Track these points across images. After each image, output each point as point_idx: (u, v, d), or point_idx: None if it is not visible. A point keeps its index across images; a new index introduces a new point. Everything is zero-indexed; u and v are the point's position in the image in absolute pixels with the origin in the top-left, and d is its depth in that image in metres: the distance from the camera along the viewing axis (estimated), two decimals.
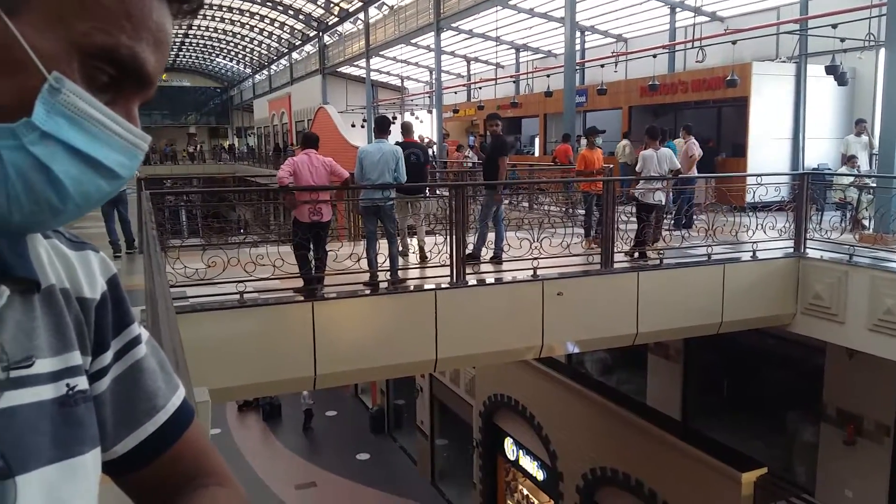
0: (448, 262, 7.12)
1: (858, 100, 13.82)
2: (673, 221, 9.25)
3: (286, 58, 43.69)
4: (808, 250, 8.36)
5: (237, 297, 6.18)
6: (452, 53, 28.82)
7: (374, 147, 7.58)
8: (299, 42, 39.85)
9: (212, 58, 55.00)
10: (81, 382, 0.64)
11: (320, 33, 35.76)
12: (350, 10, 31.34)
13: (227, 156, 45.34)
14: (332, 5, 32.26)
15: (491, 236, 8.21)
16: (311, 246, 6.95)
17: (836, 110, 13.97)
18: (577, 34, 19.36)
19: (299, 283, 6.78)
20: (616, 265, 7.83)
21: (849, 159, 10.97)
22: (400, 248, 7.75)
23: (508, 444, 15.21)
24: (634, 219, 8.76)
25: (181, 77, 57.35)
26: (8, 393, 0.56)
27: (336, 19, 33.40)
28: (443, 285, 7.03)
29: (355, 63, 33.59)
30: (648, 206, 8.55)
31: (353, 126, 29.44)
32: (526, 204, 13.28)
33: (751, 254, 8.31)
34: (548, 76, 20.72)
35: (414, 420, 20.08)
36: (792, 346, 9.64)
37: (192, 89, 59.29)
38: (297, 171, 7.04)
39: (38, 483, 0.57)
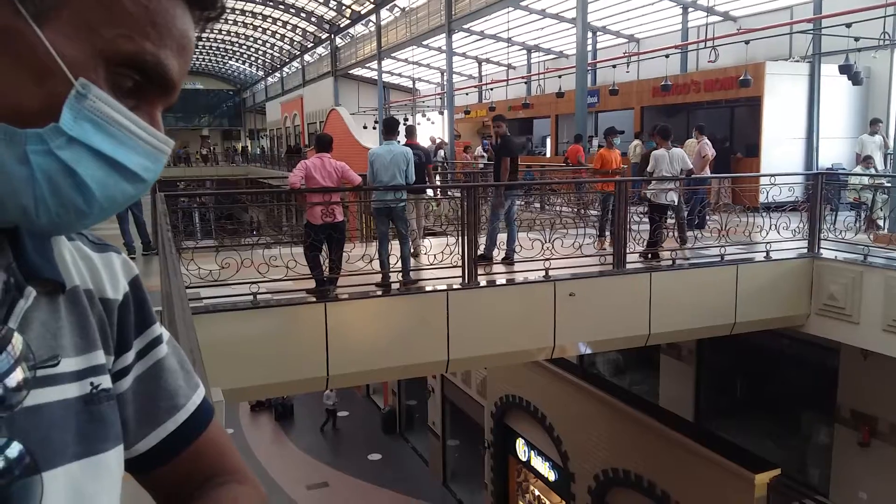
0: (460, 263, 7.13)
1: (873, 99, 13.71)
2: (685, 222, 9.19)
3: (298, 60, 43.84)
4: (822, 251, 8.31)
5: (250, 298, 6.22)
6: (464, 55, 28.82)
7: (384, 149, 7.60)
8: (311, 44, 39.99)
9: (224, 60, 55.28)
10: (105, 381, 0.65)
11: (332, 35, 35.88)
12: (362, 12, 31.42)
13: (239, 157, 45.60)
14: (343, 8, 32.36)
15: (503, 236, 8.22)
16: (325, 248, 6.99)
17: (850, 110, 13.86)
18: (589, 35, 19.32)
19: (312, 284, 6.82)
20: (628, 266, 7.82)
21: (864, 159, 10.89)
22: (412, 250, 7.77)
23: (520, 444, 15.18)
24: (647, 219, 8.74)
25: (194, 80, 57.65)
26: (35, 391, 0.58)
27: (348, 21, 33.49)
28: (455, 286, 7.04)
29: (367, 65, 33.66)
30: (661, 206, 8.52)
31: (364, 128, 29.51)
32: (538, 205, 13.26)
33: (764, 254, 8.27)
34: (559, 77, 20.68)
35: (426, 421, 20.09)
36: (806, 346, 9.59)
37: (205, 92, 59.60)
38: (309, 174, 7.07)
39: (63, 479, 0.58)
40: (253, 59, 51.46)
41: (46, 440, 0.58)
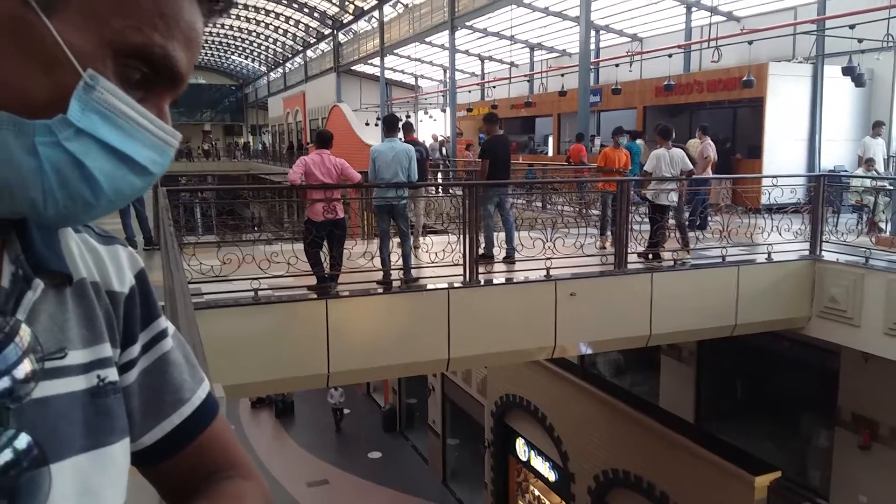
0: (461, 262, 7.13)
1: (876, 101, 13.70)
2: (685, 224, 9.19)
3: (301, 56, 43.86)
4: (823, 253, 8.30)
5: (252, 294, 6.22)
6: (467, 52, 28.81)
7: (386, 146, 7.59)
8: (314, 40, 40.00)
9: (227, 55, 55.30)
10: (111, 374, 0.65)
11: (335, 31, 35.88)
12: (365, 8, 31.42)
13: (240, 153, 45.59)
14: (347, 3, 32.36)
15: (503, 235, 8.21)
16: (325, 244, 6.98)
17: (853, 112, 13.85)
18: (592, 33, 19.31)
19: (313, 280, 6.82)
20: (630, 266, 7.81)
21: (866, 161, 10.88)
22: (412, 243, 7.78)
23: (520, 444, 15.19)
24: (648, 219, 8.73)
25: (197, 74, 57.32)
26: (42, 383, 0.58)
27: (351, 17, 33.50)
28: (456, 284, 7.04)
29: (370, 61, 33.67)
30: (662, 206, 8.51)
31: (367, 124, 29.51)
32: (539, 203, 13.25)
33: (766, 256, 8.26)
34: (562, 75, 20.68)
35: (426, 419, 20.10)
36: (806, 349, 9.58)
37: (207, 87, 59.64)
38: (309, 171, 7.06)
39: (70, 471, 0.58)
40: (256, 54, 51.48)
41: (54, 432, 0.58)
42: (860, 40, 12.55)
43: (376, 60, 32.02)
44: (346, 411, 21.89)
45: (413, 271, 7.29)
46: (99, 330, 0.65)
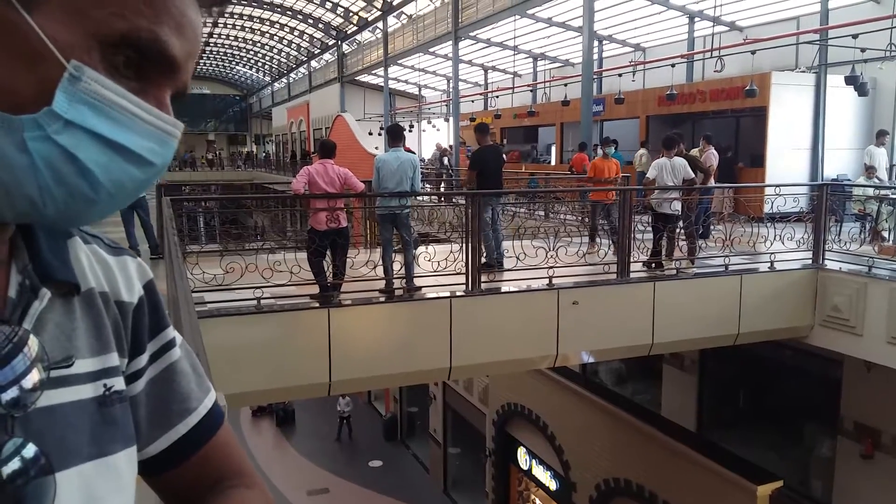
0: (463, 270, 7.14)
1: (879, 110, 13.70)
2: (691, 232, 9.19)
3: (305, 66, 44.01)
4: (826, 262, 8.29)
5: (254, 302, 6.23)
6: (470, 62, 28.90)
7: (391, 156, 7.61)
8: (318, 50, 40.16)
9: (232, 66, 55.55)
10: (118, 383, 0.66)
11: (339, 42, 36.03)
12: (369, 19, 31.57)
13: (241, 163, 45.68)
14: (351, 14, 32.50)
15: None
16: (328, 253, 7.00)
17: (855, 121, 13.85)
18: (595, 43, 19.36)
19: (316, 289, 6.83)
20: (632, 275, 7.81)
21: (867, 169, 10.89)
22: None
23: (521, 453, 15.14)
24: (651, 228, 8.73)
25: (201, 84, 57.93)
26: (49, 392, 0.58)
27: (355, 28, 33.64)
28: (458, 293, 7.05)
29: (373, 71, 33.77)
30: (665, 215, 8.51)
31: (370, 134, 29.58)
32: (542, 212, 13.27)
33: (768, 265, 8.25)
34: (565, 85, 20.71)
35: (427, 428, 20.05)
36: (809, 358, 9.56)
37: (211, 97, 59.88)
38: (312, 180, 7.08)
39: (76, 479, 0.59)
40: (260, 64, 51.70)
41: (61, 441, 0.58)
42: (863, 49, 12.57)
43: (380, 71, 32.14)
44: (347, 418, 21.90)
45: (415, 280, 7.30)
46: (106, 339, 0.66)
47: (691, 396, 11.50)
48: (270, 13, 36.76)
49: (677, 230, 8.63)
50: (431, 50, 27.87)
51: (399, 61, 30.81)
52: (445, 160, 20.95)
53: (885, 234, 9.52)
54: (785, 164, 13.33)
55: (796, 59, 15.34)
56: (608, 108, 18.39)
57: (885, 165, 11.41)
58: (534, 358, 7.70)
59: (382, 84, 32.67)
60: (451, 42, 24.01)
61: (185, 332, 2.27)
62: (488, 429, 16.29)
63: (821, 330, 8.04)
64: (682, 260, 8.45)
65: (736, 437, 10.91)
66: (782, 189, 8.87)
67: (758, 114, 13.80)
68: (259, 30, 41.20)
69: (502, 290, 7.55)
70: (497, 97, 27.35)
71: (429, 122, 32.97)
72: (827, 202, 8.52)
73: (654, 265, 8.28)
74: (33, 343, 0.58)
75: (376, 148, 24.94)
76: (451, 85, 28.01)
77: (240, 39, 44.95)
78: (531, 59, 26.22)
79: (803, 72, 14.35)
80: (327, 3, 32.26)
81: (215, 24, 38.43)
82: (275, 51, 45.70)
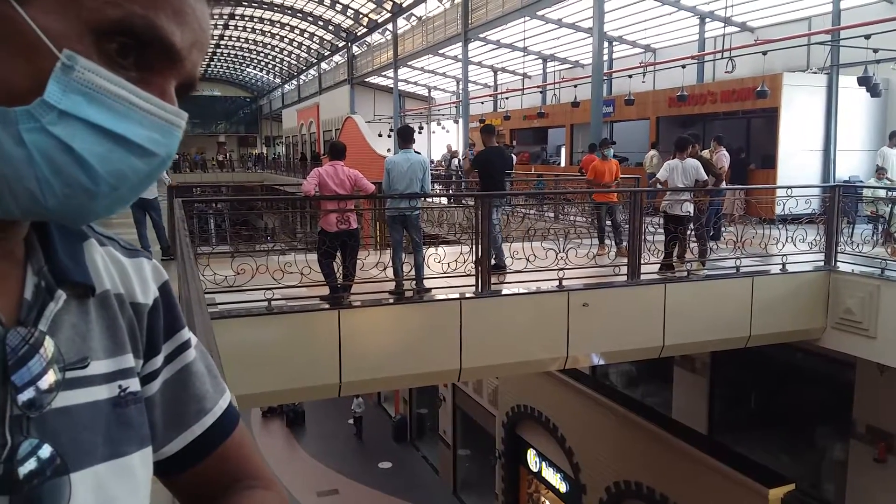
0: (473, 272, 7.13)
1: (891, 111, 13.60)
2: (703, 233, 9.16)
3: (315, 68, 44.15)
4: (839, 264, 8.24)
5: (265, 304, 6.25)
6: (479, 64, 28.89)
7: (401, 157, 7.62)
8: (328, 52, 40.27)
9: (242, 68, 55.80)
10: (133, 384, 0.66)
11: (349, 44, 36.12)
12: (379, 20, 31.63)
13: (251, 165, 45.83)
14: (361, 16, 32.58)
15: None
16: (338, 254, 7.02)
17: (868, 122, 13.76)
18: (605, 44, 19.32)
19: (326, 291, 6.84)
20: (643, 276, 7.79)
21: (877, 170, 10.82)
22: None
23: (531, 455, 15.12)
24: (662, 230, 8.69)
25: (212, 86, 58.23)
26: (64, 393, 0.58)
27: (365, 30, 33.72)
28: (468, 295, 7.05)
29: (383, 73, 33.83)
30: (677, 217, 8.47)
31: (380, 136, 29.63)
32: (552, 214, 13.25)
33: (780, 266, 8.20)
34: (575, 86, 20.66)
35: (436, 429, 20.06)
36: (821, 360, 9.50)
37: (222, 98, 60.18)
38: (323, 182, 7.10)
39: (91, 480, 0.59)
40: (270, 66, 51.90)
41: (76, 441, 0.58)
42: (875, 50, 12.49)
43: (390, 72, 32.19)
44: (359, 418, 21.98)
45: (425, 282, 7.30)
46: (122, 340, 0.66)
47: (702, 399, 11.45)
48: (280, 15, 36.90)
49: (688, 232, 8.59)
50: (441, 51, 27.88)
51: (409, 63, 30.85)
52: (455, 162, 20.96)
53: None
54: (796, 166, 13.24)
55: (808, 60, 15.26)
56: (618, 109, 18.34)
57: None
58: (544, 360, 7.69)
59: (392, 86, 32.73)
60: (460, 43, 24.02)
61: (198, 333, 2.28)
62: (498, 430, 16.27)
63: (833, 332, 7.99)
64: (693, 262, 8.41)
65: (747, 439, 10.85)
66: (794, 190, 8.81)
67: (769, 115, 13.72)
68: (269, 32, 41.36)
69: (512, 292, 7.54)
70: (507, 99, 27.35)
71: (438, 124, 33.00)
72: (839, 204, 8.47)
73: (663, 267, 8.24)
74: (49, 344, 0.58)
75: (388, 150, 24.99)
76: (460, 86, 28.02)
77: (250, 41, 45.14)
78: (541, 61, 26.19)
79: (815, 73, 14.27)
80: (337, 4, 32.35)
81: (231, 17, 38.49)
82: (285, 53, 45.86)
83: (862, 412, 8.91)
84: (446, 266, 7.24)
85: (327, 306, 6.66)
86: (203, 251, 7.14)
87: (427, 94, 35.97)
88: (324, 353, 6.45)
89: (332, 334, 6.45)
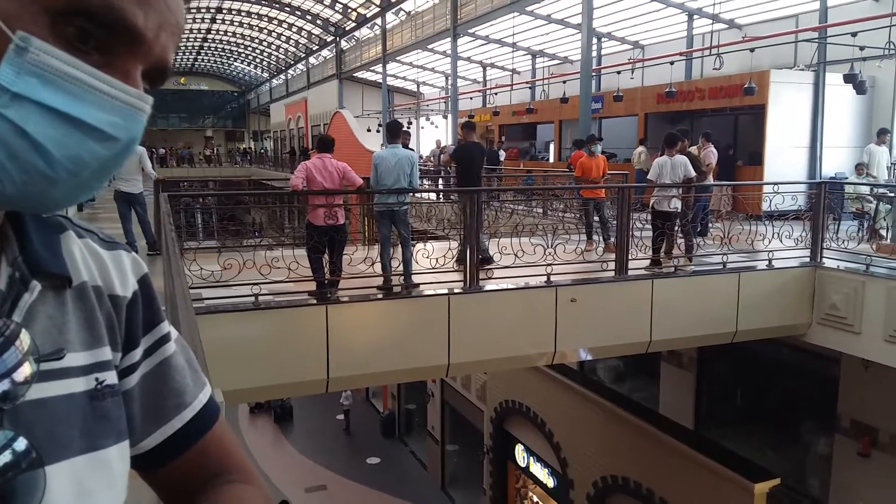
0: (461, 268, 7.13)
1: (877, 108, 13.72)
2: (689, 229, 9.21)
3: (303, 62, 43.97)
4: (824, 260, 8.30)
5: (252, 299, 6.22)
6: (468, 59, 28.88)
7: (388, 152, 7.60)
8: (316, 47, 40.10)
9: (230, 62, 55.48)
10: (110, 377, 0.65)
11: (337, 38, 35.98)
12: (367, 15, 31.52)
13: (239, 159, 45.62)
14: (349, 11, 32.45)
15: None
16: (326, 250, 6.99)
17: (854, 119, 13.86)
18: (594, 41, 19.34)
19: (314, 286, 6.82)
20: (630, 272, 7.81)
21: (856, 167, 10.92)
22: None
23: (519, 450, 15.16)
24: (650, 226, 8.73)
25: (199, 81, 57.90)
26: (40, 385, 0.57)
27: (353, 25, 33.59)
28: (456, 290, 7.04)
29: (372, 68, 33.75)
30: (664, 213, 8.50)
31: (368, 131, 29.55)
32: (540, 210, 13.27)
33: (766, 262, 8.25)
34: (564, 82, 20.70)
35: (425, 425, 20.07)
36: (806, 356, 9.57)
37: (209, 93, 59.85)
38: (311, 175, 7.07)
39: (66, 473, 0.58)
40: (258, 60, 51.63)
41: (51, 434, 0.58)
42: (862, 48, 12.57)
43: (378, 67, 32.11)
44: (338, 416, 21.99)
45: (413, 277, 7.29)
46: (99, 333, 0.65)
47: (689, 394, 11.51)
48: (269, 9, 36.71)
49: (676, 228, 8.62)
50: (430, 46, 27.85)
51: (397, 58, 30.78)
52: (444, 157, 20.94)
53: (883, 232, 9.53)
54: (783, 162, 13.33)
55: (795, 57, 15.35)
56: (607, 105, 18.38)
57: (886, 164, 11.40)
58: (532, 355, 7.70)
59: (381, 81, 32.65)
60: (449, 39, 23.99)
61: (182, 328, 2.26)
62: (486, 426, 16.30)
63: (818, 328, 8.05)
64: (681, 258, 8.45)
65: (733, 434, 10.93)
66: (780, 187, 8.86)
67: (756, 112, 13.80)
68: (257, 26, 41.14)
69: (500, 288, 7.54)
70: (496, 94, 27.36)
71: (427, 119, 32.96)
72: (825, 200, 8.53)
73: (651, 262, 8.27)
74: (24, 336, 0.57)
75: (382, 145, 24.91)
76: (449, 82, 27.98)
77: (238, 35, 44.87)
78: (530, 56, 26.22)
79: (802, 70, 14.36)
80: None
81: (218, 11, 38.23)
82: (273, 47, 45.63)
83: (846, 407, 8.99)
84: (434, 261, 7.23)
85: (315, 301, 6.64)
86: (189, 246, 7.09)
87: (416, 90, 35.90)
88: (311, 348, 6.43)
89: (319, 330, 6.43)
